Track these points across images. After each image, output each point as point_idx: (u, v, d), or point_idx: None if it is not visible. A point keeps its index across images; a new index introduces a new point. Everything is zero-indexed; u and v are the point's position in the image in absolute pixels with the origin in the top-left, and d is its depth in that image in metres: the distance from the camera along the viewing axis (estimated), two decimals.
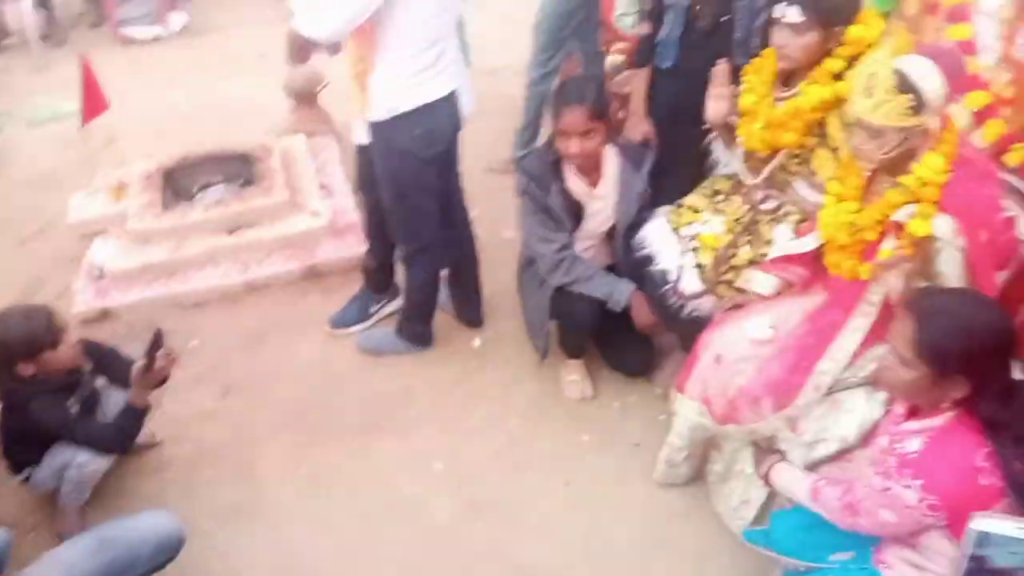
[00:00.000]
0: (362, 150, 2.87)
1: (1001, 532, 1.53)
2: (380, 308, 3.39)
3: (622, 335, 2.89)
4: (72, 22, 6.92)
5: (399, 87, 2.58)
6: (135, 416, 2.50)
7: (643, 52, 2.97)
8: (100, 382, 2.65)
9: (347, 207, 3.95)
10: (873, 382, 2.08)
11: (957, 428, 1.68)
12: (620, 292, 2.71)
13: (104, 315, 3.49)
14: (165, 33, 6.52)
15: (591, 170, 2.71)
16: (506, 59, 5.25)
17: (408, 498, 2.67)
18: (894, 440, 1.79)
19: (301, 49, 2.54)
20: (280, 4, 6.84)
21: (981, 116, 2.29)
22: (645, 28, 2.93)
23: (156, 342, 2.46)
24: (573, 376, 3.01)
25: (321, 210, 3.80)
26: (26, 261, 3.94)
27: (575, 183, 2.72)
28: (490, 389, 3.07)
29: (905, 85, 1.87)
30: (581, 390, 3.00)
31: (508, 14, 5.92)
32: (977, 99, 2.28)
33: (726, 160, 2.70)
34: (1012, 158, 2.21)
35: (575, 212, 2.76)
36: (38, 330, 2.32)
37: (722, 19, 2.73)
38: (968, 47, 2.32)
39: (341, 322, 3.36)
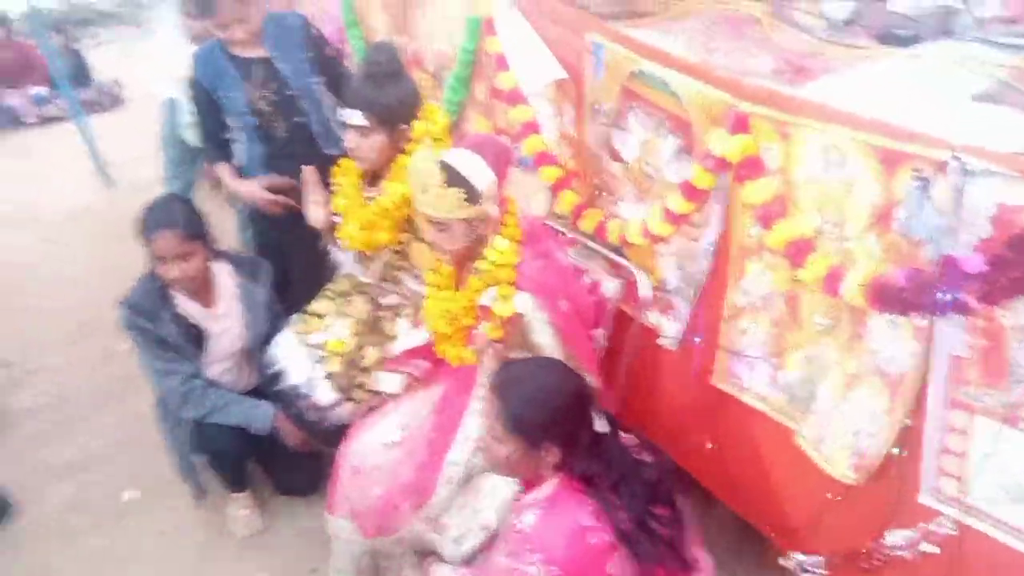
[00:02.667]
0: None
1: None
2: None
3: (283, 455, 2.73)
4: None
5: None
6: None
7: None
8: None
9: None
10: None
11: (562, 493, 1.72)
12: (261, 416, 2.56)
13: None
14: None
15: (202, 291, 2.56)
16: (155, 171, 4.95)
17: None
18: (515, 516, 1.80)
19: None
20: None
21: (556, 188, 2.45)
22: None
23: None
24: (240, 511, 2.79)
25: None
26: None
27: (188, 307, 2.54)
28: (144, 552, 2.74)
29: (454, 179, 1.93)
30: (249, 524, 2.78)
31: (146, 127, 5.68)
32: (550, 173, 2.44)
33: (345, 260, 2.67)
34: (586, 224, 2.38)
35: (196, 337, 2.57)
36: None
37: (296, 121, 2.72)
38: (534, 126, 2.48)
39: None
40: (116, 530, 2.83)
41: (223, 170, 2.90)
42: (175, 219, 2.39)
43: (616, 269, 2.35)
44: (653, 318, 2.28)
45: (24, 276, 4.45)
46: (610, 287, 2.35)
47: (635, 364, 2.33)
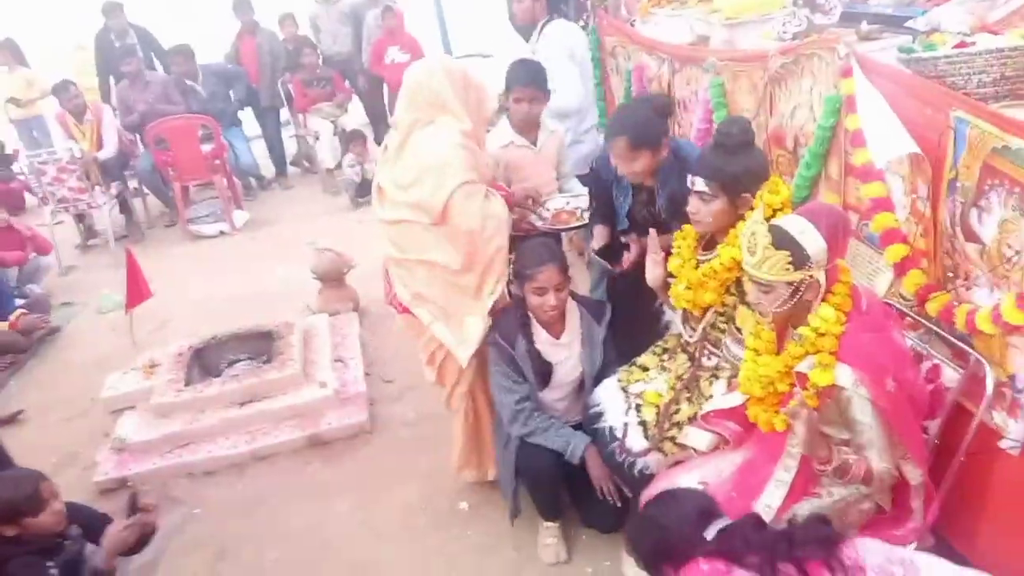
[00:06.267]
0: None
1: None
2: None
3: (594, 491, 2.89)
4: (151, 223, 7.79)
5: None
6: None
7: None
8: (90, 547, 2.80)
9: (357, 378, 4.18)
10: None
11: None
12: (576, 445, 2.76)
13: (122, 484, 3.71)
14: (229, 229, 7.21)
15: (556, 323, 2.88)
16: None
17: None
18: None
19: None
20: (330, 200, 7.59)
21: (902, 267, 2.34)
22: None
23: (131, 506, 2.61)
24: (548, 539, 2.99)
25: (329, 381, 4.02)
26: (67, 436, 4.25)
27: (540, 334, 2.87)
28: (465, 557, 3.07)
29: (782, 242, 1.96)
30: (556, 554, 2.97)
31: None
32: (897, 252, 2.34)
33: (675, 320, 2.80)
34: (932, 306, 2.23)
35: (541, 364, 2.87)
36: (19, 499, 2.53)
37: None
38: (886, 203, 2.41)
39: None
40: (447, 534, 3.21)
41: (599, 231, 3.21)
42: (556, 256, 2.78)
43: (960, 359, 2.17)
44: (997, 417, 2.05)
45: None
46: (951, 377, 2.17)
47: (968, 466, 2.11)
